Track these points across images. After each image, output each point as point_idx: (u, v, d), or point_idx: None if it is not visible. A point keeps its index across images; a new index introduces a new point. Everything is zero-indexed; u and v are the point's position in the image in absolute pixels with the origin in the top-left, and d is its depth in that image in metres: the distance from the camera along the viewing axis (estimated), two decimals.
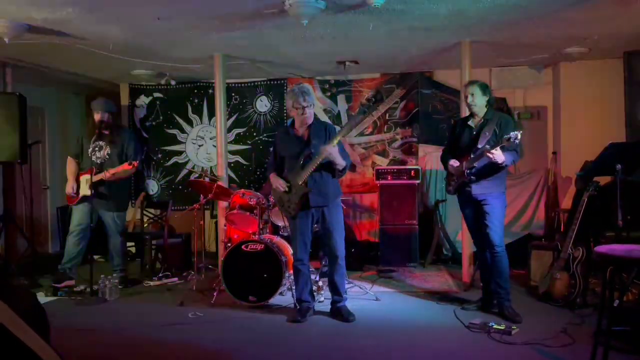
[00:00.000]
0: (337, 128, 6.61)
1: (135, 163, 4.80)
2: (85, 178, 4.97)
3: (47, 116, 6.88)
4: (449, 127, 6.31)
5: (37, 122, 6.69)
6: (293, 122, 4.12)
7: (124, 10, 4.06)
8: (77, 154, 5.17)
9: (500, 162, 3.73)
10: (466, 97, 4.05)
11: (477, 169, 3.90)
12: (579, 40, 5.18)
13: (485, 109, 4.00)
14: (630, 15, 4.31)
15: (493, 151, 3.68)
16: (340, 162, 3.92)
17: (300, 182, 3.96)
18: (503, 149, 3.72)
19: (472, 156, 3.89)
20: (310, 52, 5.53)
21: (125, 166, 4.80)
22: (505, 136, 3.63)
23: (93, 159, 5.02)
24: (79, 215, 5.06)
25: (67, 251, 5.08)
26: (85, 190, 4.95)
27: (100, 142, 5.06)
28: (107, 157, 5.03)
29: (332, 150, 3.84)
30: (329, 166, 3.97)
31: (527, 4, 4.04)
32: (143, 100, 7.23)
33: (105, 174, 4.87)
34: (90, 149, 5.05)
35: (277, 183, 4.06)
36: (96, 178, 4.87)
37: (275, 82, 6.97)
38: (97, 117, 5.05)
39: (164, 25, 4.45)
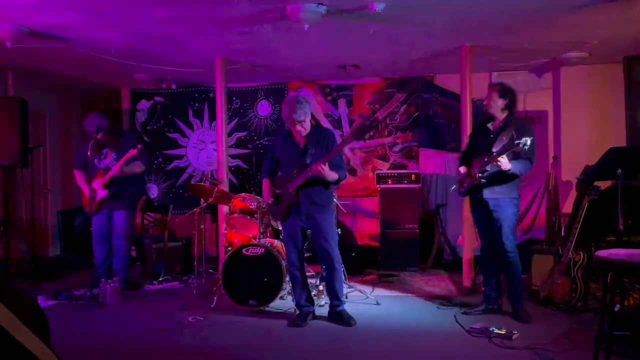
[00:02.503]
0: (338, 133, 6.68)
1: (140, 146, 4.93)
2: (99, 181, 5.09)
3: (48, 120, 6.90)
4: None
5: (39, 126, 6.70)
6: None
7: (125, 15, 4.07)
8: (82, 166, 5.24)
9: (505, 169, 3.75)
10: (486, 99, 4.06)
11: (490, 174, 3.90)
12: (579, 44, 5.19)
13: (505, 113, 3.99)
14: (630, 20, 4.31)
15: (499, 159, 3.69)
16: (331, 178, 3.92)
17: (291, 190, 3.98)
18: (517, 156, 3.72)
19: (485, 159, 3.89)
20: (311, 57, 5.55)
21: (131, 152, 4.89)
22: (516, 141, 3.64)
23: (102, 167, 5.15)
24: (98, 222, 5.17)
25: (95, 258, 5.20)
26: (101, 193, 5.08)
27: (105, 150, 5.18)
28: (114, 161, 5.12)
29: (320, 170, 3.81)
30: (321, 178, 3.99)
31: (527, 9, 4.05)
32: (144, 104, 7.25)
33: (114, 170, 4.98)
34: (97, 159, 5.17)
35: (265, 193, 4.14)
36: (107, 176, 5.02)
37: (276, 87, 6.99)
38: (93, 135, 5.06)
39: (165, 30, 4.46)
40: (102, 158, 5.16)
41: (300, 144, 4.04)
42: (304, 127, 3.97)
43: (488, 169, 3.89)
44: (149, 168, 7.11)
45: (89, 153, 5.01)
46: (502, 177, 3.89)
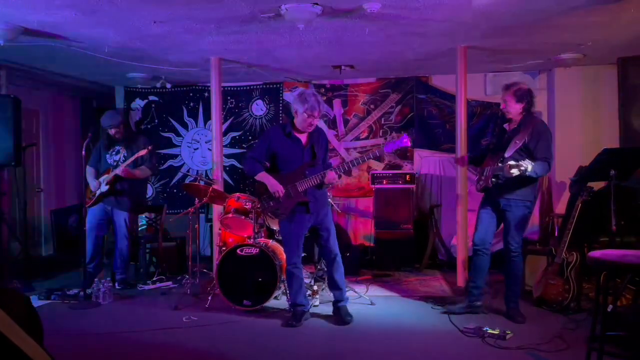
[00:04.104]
0: (332, 133, 6.69)
1: (150, 147, 5.04)
2: (104, 177, 5.14)
3: (41, 119, 6.85)
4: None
5: (32, 125, 6.66)
6: (292, 122, 4.10)
7: (119, 14, 4.05)
8: (95, 163, 5.31)
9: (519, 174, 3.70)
10: (502, 103, 4.04)
11: (504, 178, 3.87)
12: (574, 46, 5.21)
13: (522, 116, 3.96)
14: (625, 21, 4.34)
15: (512, 171, 3.62)
16: (337, 183, 4.10)
17: (300, 190, 3.98)
18: (533, 157, 3.69)
19: (499, 164, 3.87)
20: (306, 57, 5.54)
21: (141, 152, 5.00)
22: (518, 163, 3.59)
23: (110, 162, 5.22)
24: (92, 217, 5.22)
25: (87, 253, 5.21)
26: (103, 187, 5.13)
27: (117, 147, 5.28)
28: (124, 158, 5.17)
29: (336, 178, 4.06)
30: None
31: (522, 11, 4.06)
32: (138, 103, 7.22)
33: (119, 169, 5.03)
34: (108, 154, 5.25)
35: (277, 188, 3.95)
36: (113, 173, 5.07)
37: (271, 86, 6.98)
38: (110, 132, 5.23)
39: (160, 29, 4.45)
40: (112, 154, 5.24)
41: (303, 141, 4.06)
42: (315, 125, 4.04)
43: (501, 174, 3.89)
44: (155, 172, 6.96)
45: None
46: (517, 180, 3.81)
